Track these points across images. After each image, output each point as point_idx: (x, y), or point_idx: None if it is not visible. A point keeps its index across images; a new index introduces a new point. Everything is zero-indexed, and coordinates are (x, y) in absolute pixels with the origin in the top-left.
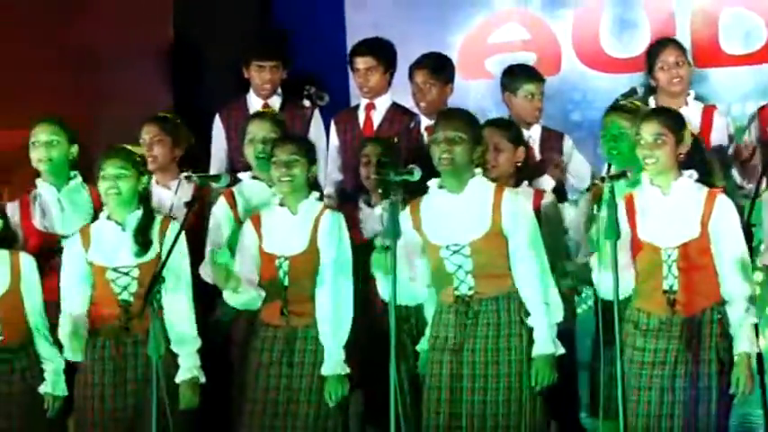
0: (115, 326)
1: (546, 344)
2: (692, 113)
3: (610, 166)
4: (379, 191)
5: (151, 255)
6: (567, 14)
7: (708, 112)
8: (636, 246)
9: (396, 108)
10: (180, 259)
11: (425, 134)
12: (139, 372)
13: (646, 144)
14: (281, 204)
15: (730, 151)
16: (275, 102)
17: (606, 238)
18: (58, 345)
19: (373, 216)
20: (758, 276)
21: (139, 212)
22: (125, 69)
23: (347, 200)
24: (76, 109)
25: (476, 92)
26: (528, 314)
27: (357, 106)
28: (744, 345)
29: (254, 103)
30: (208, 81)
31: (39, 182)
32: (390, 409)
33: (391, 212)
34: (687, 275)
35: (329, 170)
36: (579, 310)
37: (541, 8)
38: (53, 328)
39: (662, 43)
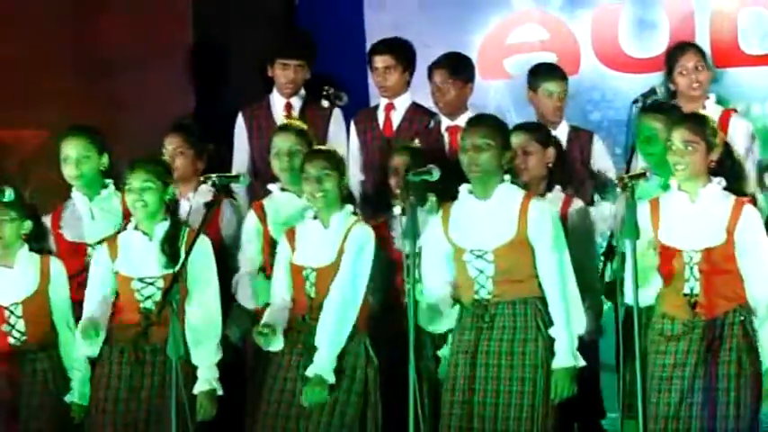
0: (135, 332)
1: (566, 356)
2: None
3: (629, 166)
4: (399, 193)
5: (178, 266)
6: (586, 15)
7: (725, 116)
8: (660, 251)
9: (415, 108)
10: (206, 270)
11: (446, 135)
12: (156, 379)
13: (677, 150)
14: (315, 217)
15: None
16: (297, 101)
17: (625, 237)
18: None
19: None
20: None
21: (167, 223)
22: (145, 71)
23: (373, 207)
24: (96, 112)
25: (495, 92)
26: (546, 321)
27: (377, 106)
28: None
29: (277, 102)
30: (229, 82)
31: (73, 192)
32: (409, 414)
33: (410, 214)
34: (709, 279)
35: (351, 171)
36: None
37: (560, 8)
38: None
39: (681, 48)
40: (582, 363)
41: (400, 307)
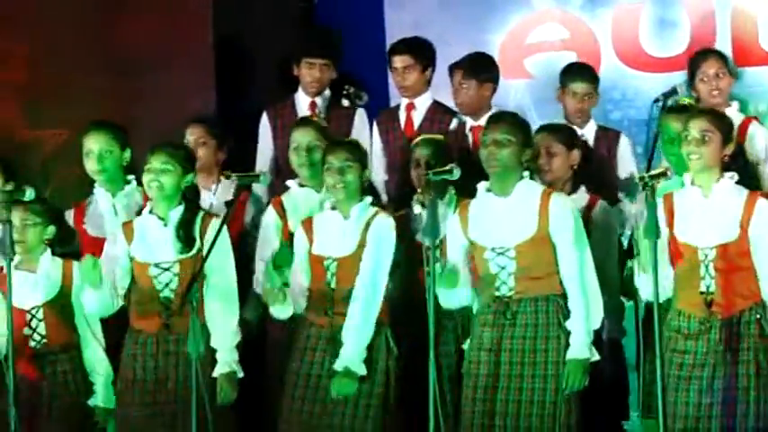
0: (157, 324)
1: (581, 348)
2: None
3: (649, 164)
4: (421, 191)
5: (192, 251)
6: (607, 14)
7: (745, 124)
8: (673, 246)
9: (437, 107)
10: (223, 255)
11: (470, 134)
12: (180, 370)
13: (692, 140)
14: (333, 208)
15: None
16: (321, 101)
17: (646, 237)
18: (107, 343)
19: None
20: None
21: (181, 208)
22: (166, 71)
23: (396, 205)
24: (119, 111)
25: (515, 91)
26: (567, 318)
27: (398, 106)
28: None
29: (302, 101)
30: (250, 81)
31: (96, 188)
32: (429, 409)
33: (431, 211)
34: (724, 276)
35: (375, 170)
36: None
37: (581, 7)
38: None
39: (703, 54)
40: (596, 357)
41: (421, 300)
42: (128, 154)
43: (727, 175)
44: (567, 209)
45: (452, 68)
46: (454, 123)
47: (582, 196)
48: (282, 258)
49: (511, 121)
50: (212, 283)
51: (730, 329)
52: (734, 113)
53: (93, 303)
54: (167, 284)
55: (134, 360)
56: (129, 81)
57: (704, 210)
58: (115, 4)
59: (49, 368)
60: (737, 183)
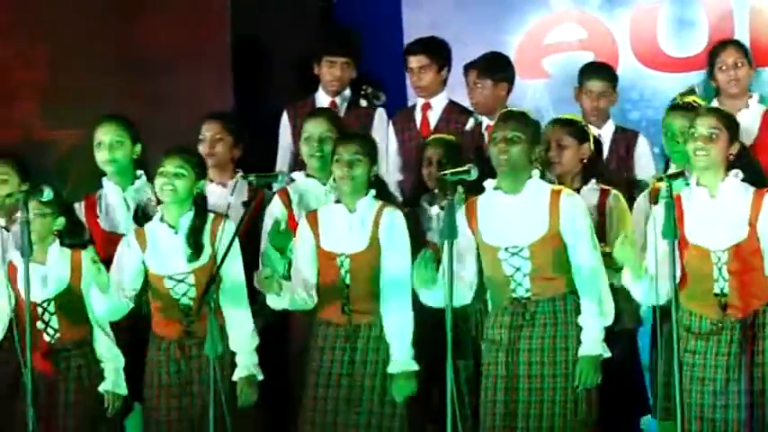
0: (178, 329)
1: (594, 345)
2: (752, 116)
3: (667, 164)
4: (437, 190)
5: (204, 258)
6: (625, 14)
7: (767, 115)
8: (682, 246)
9: (452, 107)
10: (232, 260)
11: (486, 134)
12: (204, 373)
13: (699, 137)
14: (338, 201)
15: None
16: (341, 101)
17: (664, 237)
18: (119, 344)
19: (431, 215)
20: None
21: (191, 214)
22: (184, 70)
23: (408, 204)
24: (137, 111)
25: (533, 91)
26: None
27: (414, 106)
28: None
29: (322, 100)
30: (268, 81)
31: (105, 182)
32: (447, 410)
33: (449, 213)
34: (738, 278)
35: (390, 170)
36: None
37: (599, 8)
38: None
39: (723, 44)
40: (608, 354)
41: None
42: (138, 148)
43: (732, 173)
44: (576, 207)
45: (467, 68)
46: (470, 123)
47: (593, 188)
48: (279, 239)
49: (520, 118)
50: (224, 288)
51: (744, 331)
52: (755, 105)
53: (101, 307)
54: (185, 293)
55: (159, 366)
56: (148, 82)
57: (713, 210)
58: (133, 6)
59: (64, 363)
60: (743, 180)
